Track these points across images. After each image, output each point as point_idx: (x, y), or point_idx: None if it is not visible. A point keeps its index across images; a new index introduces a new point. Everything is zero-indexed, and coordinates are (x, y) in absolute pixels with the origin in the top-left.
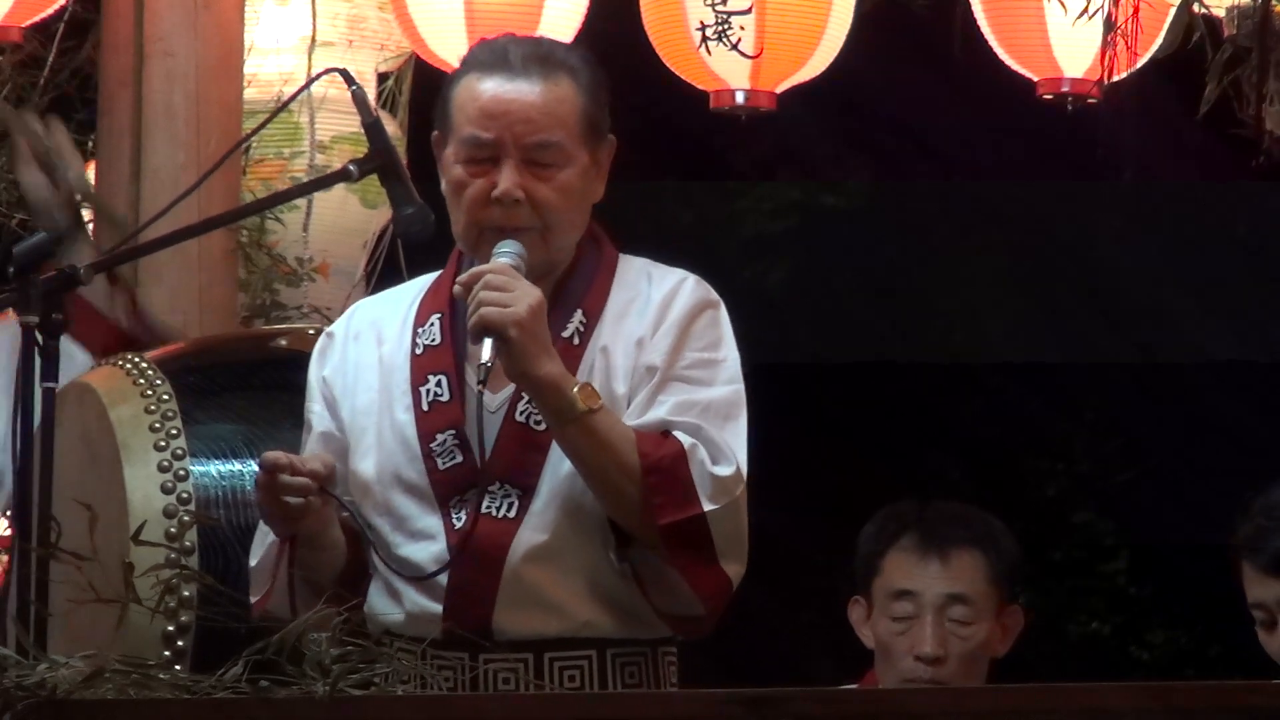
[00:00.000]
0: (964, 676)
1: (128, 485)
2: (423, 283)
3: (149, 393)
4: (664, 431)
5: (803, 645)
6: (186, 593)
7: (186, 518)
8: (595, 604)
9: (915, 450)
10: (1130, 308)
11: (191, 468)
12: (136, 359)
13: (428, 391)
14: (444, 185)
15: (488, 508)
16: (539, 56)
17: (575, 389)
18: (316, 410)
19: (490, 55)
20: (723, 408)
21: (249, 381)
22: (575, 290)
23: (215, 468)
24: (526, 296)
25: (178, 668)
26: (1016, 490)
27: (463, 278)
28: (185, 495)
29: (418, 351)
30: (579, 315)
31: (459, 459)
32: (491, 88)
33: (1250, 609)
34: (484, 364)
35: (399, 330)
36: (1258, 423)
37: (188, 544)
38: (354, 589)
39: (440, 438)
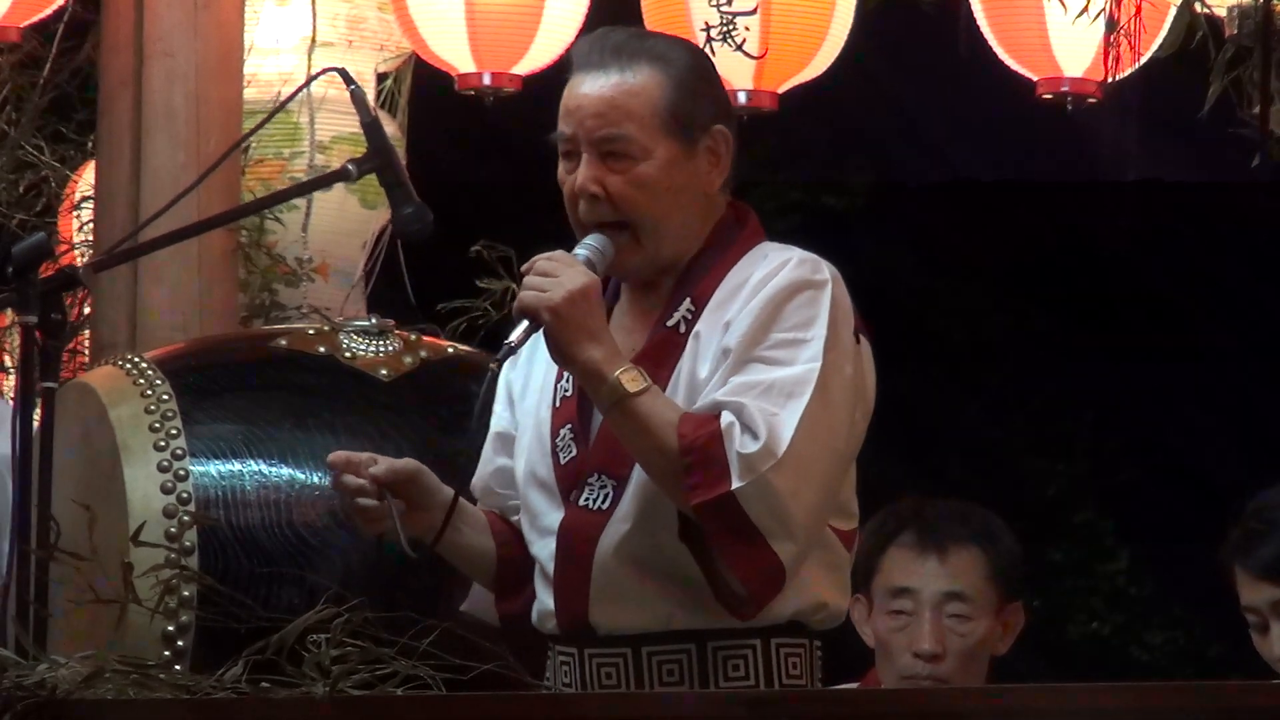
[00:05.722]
0: (963, 673)
1: (127, 485)
2: None
3: (149, 393)
4: (714, 411)
5: None
6: (186, 593)
7: (186, 518)
8: (677, 596)
9: (916, 450)
10: (1130, 307)
11: (191, 468)
12: (136, 359)
13: (561, 388)
14: None
15: (585, 500)
16: (618, 47)
17: (619, 372)
18: (498, 410)
19: (581, 51)
20: (788, 385)
21: (249, 381)
22: (692, 278)
23: (215, 468)
24: (568, 283)
25: (178, 668)
26: (1016, 490)
27: (526, 265)
28: (185, 495)
29: None
30: (686, 303)
31: (574, 452)
32: (574, 84)
33: (1243, 612)
34: (508, 343)
35: None
36: (1258, 422)
37: (187, 544)
38: (516, 590)
39: (563, 432)
